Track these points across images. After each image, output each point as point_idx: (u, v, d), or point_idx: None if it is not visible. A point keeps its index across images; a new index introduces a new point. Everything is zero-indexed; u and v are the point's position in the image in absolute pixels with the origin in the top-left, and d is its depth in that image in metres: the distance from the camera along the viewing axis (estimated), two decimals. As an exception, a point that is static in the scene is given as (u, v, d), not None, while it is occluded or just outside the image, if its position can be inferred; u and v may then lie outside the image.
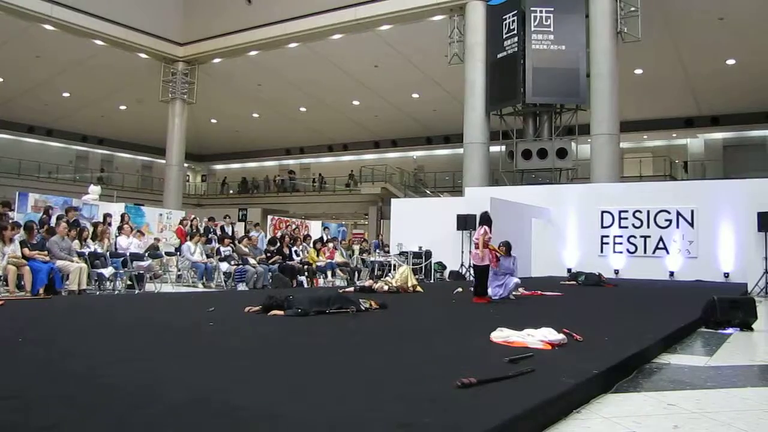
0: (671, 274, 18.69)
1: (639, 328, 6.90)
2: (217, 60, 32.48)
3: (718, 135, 33.90)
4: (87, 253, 12.23)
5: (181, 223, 18.77)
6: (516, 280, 10.86)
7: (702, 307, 8.10)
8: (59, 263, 11.14)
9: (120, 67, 31.69)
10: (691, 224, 18.59)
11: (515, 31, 22.61)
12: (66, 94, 35.45)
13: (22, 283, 10.49)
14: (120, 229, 14.65)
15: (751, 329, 7.88)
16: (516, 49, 22.59)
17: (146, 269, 13.38)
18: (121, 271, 12.76)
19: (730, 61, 26.70)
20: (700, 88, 29.32)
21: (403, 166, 39.07)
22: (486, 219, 10.30)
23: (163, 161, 35.11)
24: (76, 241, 12.35)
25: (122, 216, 16.46)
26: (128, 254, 13.10)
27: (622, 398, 4.09)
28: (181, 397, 3.27)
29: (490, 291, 10.42)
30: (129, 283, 12.96)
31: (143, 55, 31.54)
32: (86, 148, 43.62)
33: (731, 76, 27.36)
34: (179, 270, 15.97)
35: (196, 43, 32.14)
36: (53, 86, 33.69)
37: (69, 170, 40.83)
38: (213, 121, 40.83)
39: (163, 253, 15.46)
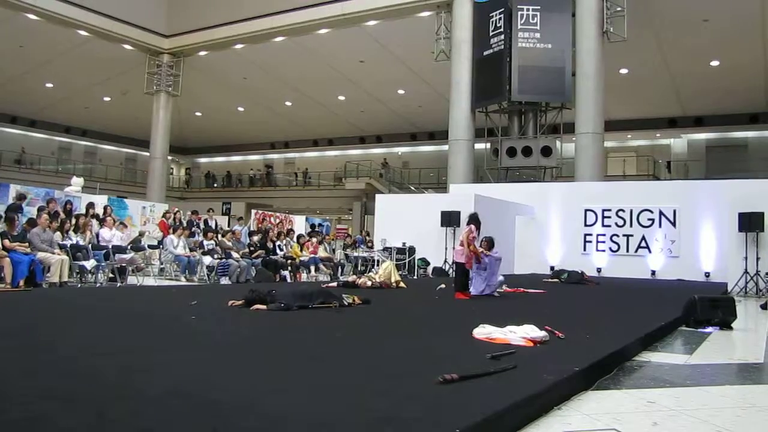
0: (653, 273, 18.83)
1: (620, 326, 6.95)
2: (202, 53, 32.28)
3: (701, 135, 34.18)
4: (69, 246, 12.14)
5: (164, 216, 18.66)
6: (500, 278, 10.96)
7: (683, 306, 8.16)
8: (40, 255, 11.04)
9: (104, 59, 31.42)
10: (674, 224, 18.75)
11: (502, 29, 22.62)
12: (49, 85, 35.12)
13: (2, 275, 10.37)
14: (102, 221, 14.54)
15: (731, 328, 7.96)
16: (502, 46, 22.61)
17: (129, 262, 13.28)
18: (103, 264, 12.65)
19: (714, 63, 26.91)
20: (684, 88, 29.54)
21: (387, 161, 39.12)
22: (474, 219, 10.45)
23: (147, 154, 34.90)
24: (58, 233, 12.25)
25: (105, 208, 16.33)
26: (111, 247, 13.02)
27: (602, 395, 4.11)
28: (161, 389, 3.26)
29: (472, 288, 10.47)
30: (111, 275, 12.87)
31: (128, 47, 31.27)
32: (69, 139, 43.27)
33: (715, 78, 27.59)
34: (162, 263, 15.87)
35: (181, 36, 31.88)
36: (37, 77, 33.36)
37: (51, 161, 40.51)
38: (198, 114, 40.61)
39: (146, 246, 15.36)
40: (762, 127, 31.90)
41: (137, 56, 31.98)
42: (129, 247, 13.93)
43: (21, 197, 15.11)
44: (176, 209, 19.78)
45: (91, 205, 15.96)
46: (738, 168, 29.02)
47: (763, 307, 11.34)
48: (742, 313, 9.38)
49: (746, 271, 15.17)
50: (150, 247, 15.81)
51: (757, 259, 15.10)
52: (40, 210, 13.29)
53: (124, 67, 32.58)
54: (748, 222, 15.18)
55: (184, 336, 5.41)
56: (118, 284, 12.61)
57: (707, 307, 7.99)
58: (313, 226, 23.91)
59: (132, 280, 13.42)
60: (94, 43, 29.86)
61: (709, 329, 7.77)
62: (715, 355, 6.18)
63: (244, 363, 4.19)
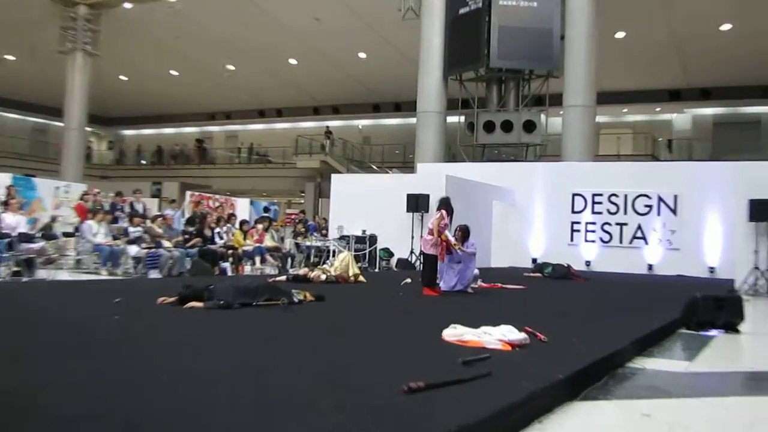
0: (650, 267, 19.12)
1: (612, 327, 7.04)
2: (127, 5, 31.79)
3: (708, 110, 34.60)
4: (-36, 233, 11.94)
5: (81, 198, 18.43)
6: (475, 271, 11.04)
7: (683, 305, 8.27)
8: (-71, 244, 10.84)
9: (7, 9, 30.68)
10: (674, 211, 19.01)
11: (480, -17, 22.67)
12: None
13: None
14: (5, 204, 14.30)
15: (737, 331, 8.06)
16: (480, 4, 22.63)
17: (38, 252, 13.12)
18: (6, 255, 12.48)
19: (725, 27, 27.14)
20: (689, 56, 29.84)
21: (346, 136, 38.94)
22: (445, 204, 10.53)
23: (61, 124, 34.36)
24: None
25: (8, 189, 16.06)
26: (15, 235, 12.82)
27: (590, 407, 4.16)
28: (73, 409, 3.19)
29: (442, 283, 10.53)
30: (16, 269, 12.69)
31: (37, -5, 30.70)
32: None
33: (725, 44, 27.77)
34: (79, 254, 15.70)
35: (102, -18, 31.42)
36: None
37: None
38: (122, 78, 40.14)
39: (59, 233, 15.16)
40: (776, 102, 32.38)
41: (48, 6, 31.32)
42: (38, 234, 13.74)
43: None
44: (96, 190, 19.58)
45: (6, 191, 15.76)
46: (749, 148, 29.41)
47: (774, 306, 11.57)
48: (750, 314, 9.54)
49: (756, 267, 15.26)
50: (64, 234, 15.63)
51: (769, 252, 15.32)
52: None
53: (32, 20, 31.84)
54: (760, 210, 15.27)
55: (105, 341, 5.34)
56: (24, 279, 12.43)
57: (711, 307, 8.09)
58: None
59: (42, 273, 13.22)
60: (-5, -10, 29.25)
61: (712, 332, 7.87)
62: (718, 361, 6.29)
63: (175, 373, 4.14)
